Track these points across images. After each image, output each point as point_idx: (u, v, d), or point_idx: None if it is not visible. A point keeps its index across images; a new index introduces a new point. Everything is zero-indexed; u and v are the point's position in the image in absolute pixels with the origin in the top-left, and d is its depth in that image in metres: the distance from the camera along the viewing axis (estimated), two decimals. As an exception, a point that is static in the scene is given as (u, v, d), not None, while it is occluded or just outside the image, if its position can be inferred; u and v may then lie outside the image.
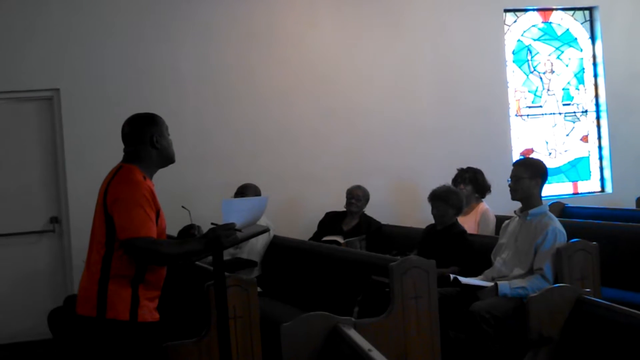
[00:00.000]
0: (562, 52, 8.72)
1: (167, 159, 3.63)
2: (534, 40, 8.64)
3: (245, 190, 6.67)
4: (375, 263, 5.05)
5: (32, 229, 7.07)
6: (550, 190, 8.38)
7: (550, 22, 8.69)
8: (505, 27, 8.49)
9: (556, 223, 4.98)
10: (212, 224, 3.53)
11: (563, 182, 8.71)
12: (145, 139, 3.54)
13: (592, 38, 8.77)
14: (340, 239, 6.87)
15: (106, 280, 3.36)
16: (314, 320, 3.56)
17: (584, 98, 8.79)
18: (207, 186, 7.23)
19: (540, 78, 8.67)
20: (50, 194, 7.13)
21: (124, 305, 3.35)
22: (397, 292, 4.41)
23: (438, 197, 5.89)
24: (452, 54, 8.16)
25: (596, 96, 8.78)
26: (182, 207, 4.06)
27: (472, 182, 6.83)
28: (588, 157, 8.80)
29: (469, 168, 6.97)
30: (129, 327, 3.35)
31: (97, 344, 3.38)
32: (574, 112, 8.78)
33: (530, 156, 8.11)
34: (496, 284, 4.87)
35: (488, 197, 6.94)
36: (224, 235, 3.44)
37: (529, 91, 8.64)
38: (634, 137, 8.68)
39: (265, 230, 3.88)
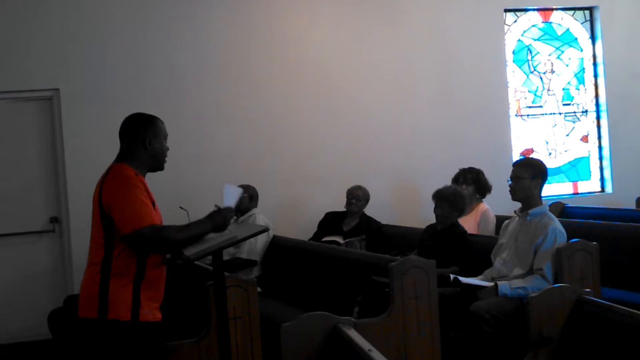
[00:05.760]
0: (562, 52, 8.72)
1: (157, 163, 3.58)
2: (534, 40, 8.64)
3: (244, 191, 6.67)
4: (375, 263, 5.05)
5: (32, 229, 7.06)
6: (550, 190, 8.38)
7: (551, 22, 8.69)
8: (506, 27, 8.49)
9: (556, 223, 4.98)
10: (215, 205, 3.60)
11: (563, 182, 8.71)
12: (139, 139, 3.52)
13: (592, 38, 8.77)
14: (340, 239, 6.86)
15: (106, 280, 3.35)
16: (314, 320, 3.56)
17: (584, 98, 8.79)
18: (207, 186, 7.20)
19: (541, 78, 8.67)
20: (50, 194, 7.13)
21: (125, 306, 3.34)
22: (397, 292, 4.41)
23: (444, 198, 5.84)
24: (452, 54, 8.16)
25: (596, 96, 8.78)
26: (180, 207, 4.07)
27: (475, 182, 6.80)
28: (588, 157, 8.80)
29: (471, 168, 6.91)
30: (130, 327, 3.35)
31: (99, 344, 3.37)
32: (574, 112, 8.78)
33: (530, 156, 8.10)
34: (496, 284, 4.86)
35: (488, 197, 6.92)
36: (229, 217, 3.56)
37: (529, 91, 8.64)
38: (634, 137, 8.68)
39: (265, 230, 3.89)
